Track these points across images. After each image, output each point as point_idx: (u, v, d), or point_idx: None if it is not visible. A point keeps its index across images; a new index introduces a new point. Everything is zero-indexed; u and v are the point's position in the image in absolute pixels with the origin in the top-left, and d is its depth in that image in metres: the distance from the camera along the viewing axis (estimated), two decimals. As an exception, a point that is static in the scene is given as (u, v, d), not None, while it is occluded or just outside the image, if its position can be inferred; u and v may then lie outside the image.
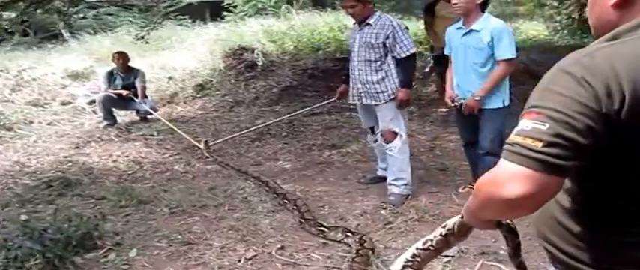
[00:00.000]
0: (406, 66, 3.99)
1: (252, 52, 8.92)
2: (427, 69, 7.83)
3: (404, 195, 4.10)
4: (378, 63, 4.01)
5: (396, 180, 4.12)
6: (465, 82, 3.78)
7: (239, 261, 3.23)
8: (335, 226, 3.64)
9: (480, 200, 1.13)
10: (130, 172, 5.11)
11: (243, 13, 14.57)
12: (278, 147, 5.90)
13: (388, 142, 4.11)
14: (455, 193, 4.23)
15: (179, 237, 3.59)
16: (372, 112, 4.24)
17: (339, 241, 3.43)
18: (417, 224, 3.69)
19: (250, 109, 7.65)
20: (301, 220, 3.69)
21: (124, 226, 3.79)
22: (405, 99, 4.04)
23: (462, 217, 1.41)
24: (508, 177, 1.02)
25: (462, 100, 3.81)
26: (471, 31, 3.68)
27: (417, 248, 1.62)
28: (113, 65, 7.52)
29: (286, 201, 4.08)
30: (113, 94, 7.22)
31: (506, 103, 3.75)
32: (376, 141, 4.35)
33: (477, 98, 3.68)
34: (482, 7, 3.79)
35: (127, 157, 5.69)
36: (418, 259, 1.62)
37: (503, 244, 3.20)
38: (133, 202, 4.21)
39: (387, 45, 3.95)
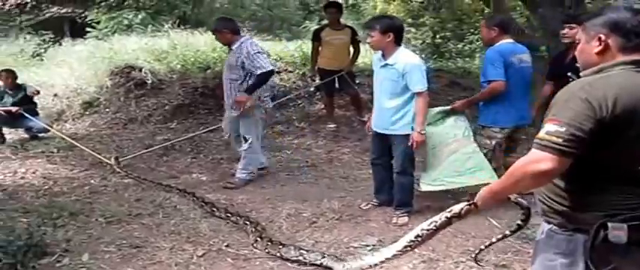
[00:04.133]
0: (257, 79, 4.95)
1: (140, 70, 9.03)
2: (312, 88, 8.58)
3: (246, 180, 5.29)
4: (238, 82, 5.04)
5: (243, 169, 5.25)
6: (379, 106, 4.27)
7: (192, 258, 3.61)
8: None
9: (517, 176, 1.81)
10: (46, 187, 5.16)
11: (107, 30, 14.39)
12: (187, 161, 6.23)
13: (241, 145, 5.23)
14: (361, 206, 4.64)
15: (124, 242, 3.87)
16: (234, 122, 5.25)
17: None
18: (337, 222, 4.29)
19: (146, 126, 7.83)
20: (246, 223, 4.10)
21: (65, 235, 3.96)
22: (240, 101, 4.97)
23: (469, 205, 2.12)
24: (541, 158, 1.72)
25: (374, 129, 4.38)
26: (386, 64, 4.15)
27: (421, 229, 2.30)
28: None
29: (214, 209, 4.46)
30: (2, 112, 7.04)
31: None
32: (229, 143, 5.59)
33: (421, 132, 4.09)
34: (397, 40, 4.14)
35: (34, 173, 5.69)
36: (419, 238, 2.32)
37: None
38: (64, 213, 4.37)
39: (246, 67, 4.93)
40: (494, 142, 4.35)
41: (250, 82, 4.96)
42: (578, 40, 1.93)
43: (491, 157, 4.34)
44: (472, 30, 12.82)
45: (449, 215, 2.21)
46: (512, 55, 4.26)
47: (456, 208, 2.19)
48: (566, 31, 4.35)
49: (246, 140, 5.18)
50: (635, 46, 1.81)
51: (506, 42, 4.30)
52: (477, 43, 12.47)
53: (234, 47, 5.03)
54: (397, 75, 4.09)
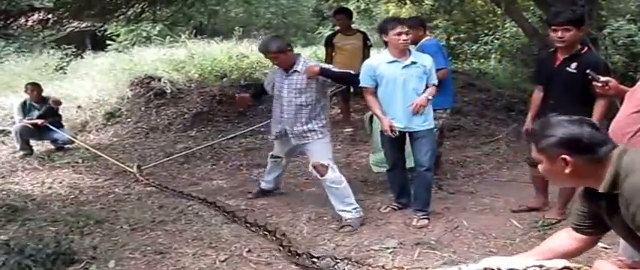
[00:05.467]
0: (342, 72, 4.50)
1: (159, 80, 9.21)
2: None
3: (359, 217, 4.35)
4: (309, 107, 4.35)
5: (345, 206, 4.34)
6: (403, 105, 4.20)
7: (214, 263, 3.69)
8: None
9: None
10: (72, 197, 5.32)
11: (126, 42, 14.65)
12: (208, 168, 6.35)
13: (322, 175, 4.35)
14: (381, 209, 4.70)
15: (149, 248, 3.97)
16: (288, 146, 4.72)
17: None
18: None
19: (167, 135, 8.00)
20: (266, 232, 4.12)
21: (91, 243, 4.07)
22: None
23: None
24: None
25: (399, 129, 4.23)
26: (412, 62, 4.18)
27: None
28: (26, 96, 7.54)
29: (236, 218, 4.50)
30: (29, 125, 7.24)
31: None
32: (276, 161, 4.98)
33: (428, 98, 4.22)
34: None
35: (60, 183, 5.86)
36: None
37: (433, 235, 3.93)
38: (90, 221, 4.48)
39: (319, 80, 4.33)
40: (441, 122, 4.98)
41: (323, 110, 4.45)
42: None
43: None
44: (486, 31, 12.78)
45: None
46: (441, 48, 5.16)
47: (554, 267, 1.95)
48: (560, 33, 3.75)
49: (322, 171, 4.33)
50: (603, 154, 1.79)
51: (430, 38, 5.21)
52: (493, 44, 12.44)
53: (299, 68, 4.33)
54: (423, 71, 4.26)
